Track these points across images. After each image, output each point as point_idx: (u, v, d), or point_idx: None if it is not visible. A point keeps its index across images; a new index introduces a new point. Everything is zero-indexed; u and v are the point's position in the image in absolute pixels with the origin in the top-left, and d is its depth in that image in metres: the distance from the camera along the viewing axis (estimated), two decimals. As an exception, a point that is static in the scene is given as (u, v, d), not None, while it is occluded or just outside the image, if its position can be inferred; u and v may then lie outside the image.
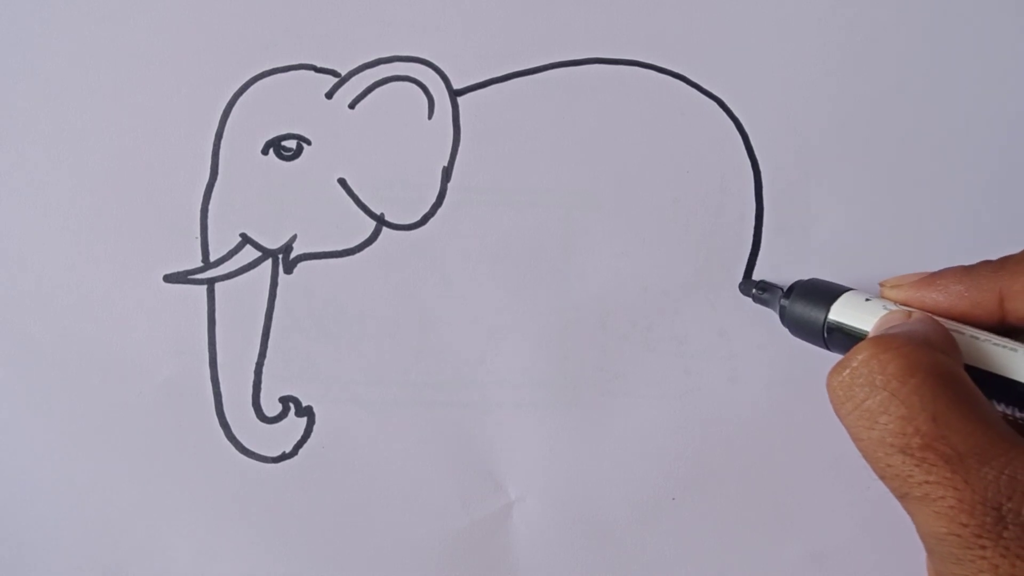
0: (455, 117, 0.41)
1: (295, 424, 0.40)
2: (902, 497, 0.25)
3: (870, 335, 0.29)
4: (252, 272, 0.40)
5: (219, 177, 0.40)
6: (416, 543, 0.39)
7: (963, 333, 0.28)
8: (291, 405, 0.40)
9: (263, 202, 0.40)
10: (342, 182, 0.41)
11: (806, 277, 0.38)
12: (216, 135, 0.40)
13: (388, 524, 0.39)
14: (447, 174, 0.41)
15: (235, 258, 0.40)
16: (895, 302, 0.31)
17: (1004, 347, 0.27)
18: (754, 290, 0.38)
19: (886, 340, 0.25)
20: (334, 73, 0.41)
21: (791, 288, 0.36)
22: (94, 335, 0.40)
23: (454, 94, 0.41)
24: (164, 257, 0.40)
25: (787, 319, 0.36)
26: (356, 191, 0.41)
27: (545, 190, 0.41)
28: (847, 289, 0.34)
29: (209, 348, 0.40)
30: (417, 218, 0.40)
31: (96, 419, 0.39)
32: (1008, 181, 0.41)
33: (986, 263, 0.29)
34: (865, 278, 0.40)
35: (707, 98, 0.41)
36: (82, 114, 0.41)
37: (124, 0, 0.41)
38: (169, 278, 0.40)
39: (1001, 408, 0.27)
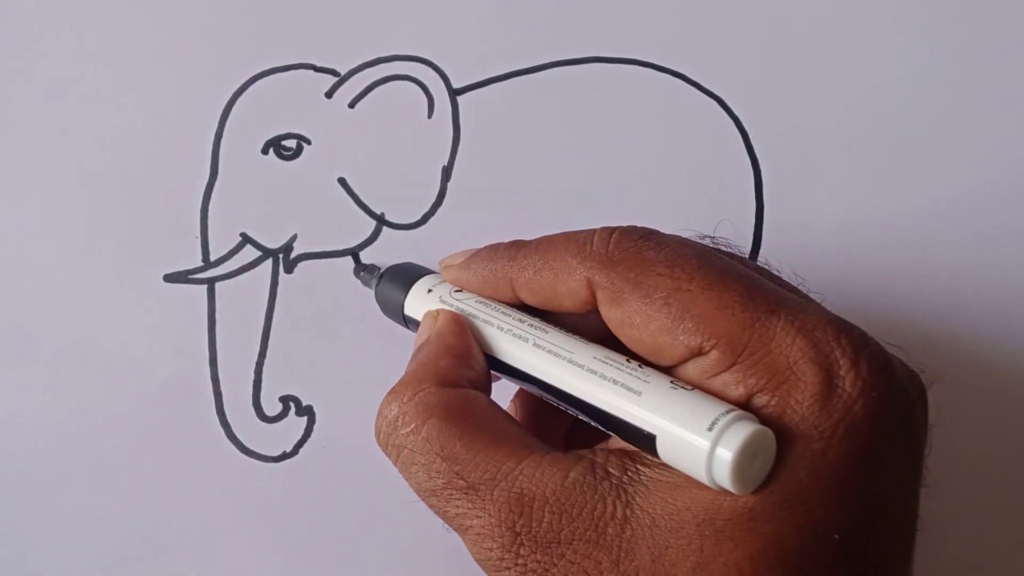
0: (455, 116, 0.41)
1: (295, 423, 0.40)
2: (453, 530, 0.27)
3: (417, 335, 0.32)
4: (252, 272, 0.40)
5: (219, 177, 0.40)
6: (416, 543, 0.39)
7: (490, 323, 0.30)
8: (291, 404, 0.40)
9: (263, 202, 0.41)
10: (342, 181, 0.41)
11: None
12: (216, 134, 0.41)
13: (388, 524, 0.39)
14: (447, 173, 0.41)
15: (235, 258, 0.40)
16: (450, 282, 0.33)
17: (513, 335, 0.29)
18: (361, 273, 0.39)
19: (400, 391, 0.28)
20: (334, 72, 0.41)
21: (384, 271, 0.36)
22: (94, 334, 0.40)
23: (454, 93, 0.41)
24: (164, 257, 0.40)
25: (378, 300, 0.36)
26: (356, 191, 0.41)
27: (545, 189, 0.41)
28: (425, 274, 0.35)
29: (209, 347, 0.40)
30: (417, 218, 0.41)
31: (96, 418, 0.39)
32: (1008, 179, 0.41)
33: (509, 247, 0.30)
34: (865, 276, 0.40)
35: (707, 96, 0.41)
36: (82, 114, 0.41)
37: (124, 0, 0.41)
38: (169, 278, 0.40)
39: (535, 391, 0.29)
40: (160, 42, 0.41)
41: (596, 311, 0.28)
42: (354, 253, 0.40)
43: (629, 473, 0.25)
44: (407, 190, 0.41)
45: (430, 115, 0.41)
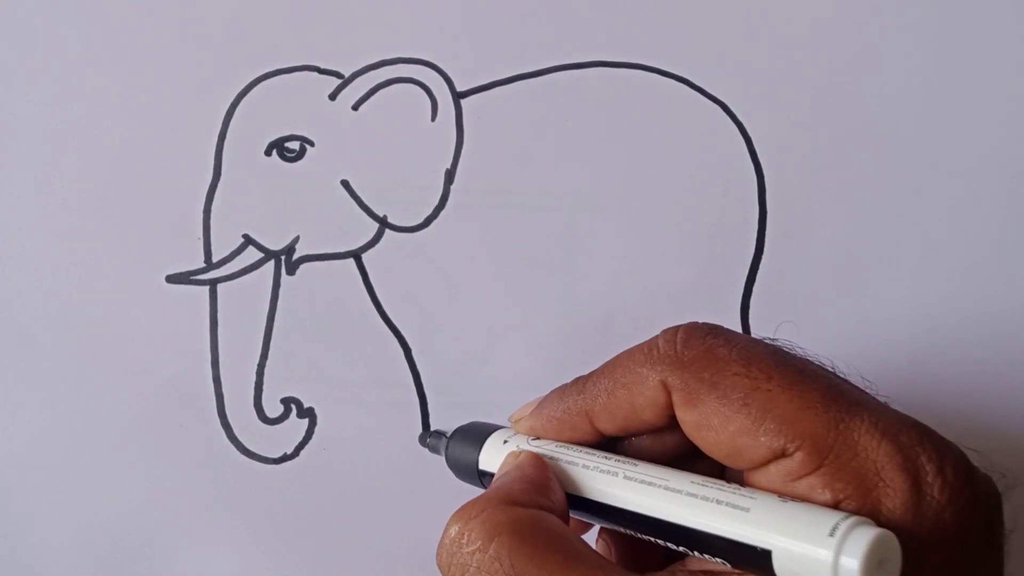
0: (458, 119, 0.41)
1: (297, 425, 0.40)
2: None
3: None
4: (254, 273, 0.40)
5: (222, 178, 0.40)
6: (416, 544, 0.39)
7: (574, 463, 0.29)
8: (293, 406, 0.40)
9: (266, 203, 0.41)
10: (345, 184, 0.41)
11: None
12: (219, 136, 0.41)
13: (389, 525, 0.39)
14: (450, 176, 0.41)
15: (237, 259, 0.40)
16: (526, 435, 0.32)
17: (601, 471, 0.28)
18: (428, 440, 0.37)
19: (467, 509, 0.26)
20: (337, 75, 0.41)
21: (452, 434, 0.35)
22: (96, 335, 0.40)
23: (457, 96, 0.41)
24: (167, 258, 0.40)
25: (451, 467, 0.34)
26: (359, 193, 0.41)
27: (548, 192, 0.41)
28: (498, 428, 0.33)
29: (211, 349, 0.40)
30: (420, 220, 0.40)
31: (98, 419, 0.39)
32: (1010, 183, 0.41)
33: (575, 384, 0.30)
34: (867, 280, 0.40)
35: (710, 102, 0.41)
36: (85, 115, 0.41)
37: (127, 1, 0.41)
38: (172, 279, 0.40)
39: (622, 530, 0.28)
40: (163, 43, 0.41)
41: (672, 427, 0.27)
42: (356, 254, 0.40)
43: None
44: (410, 192, 0.41)
45: (433, 118, 0.41)
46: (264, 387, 0.40)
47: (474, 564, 0.25)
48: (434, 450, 0.37)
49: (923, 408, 0.34)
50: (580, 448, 0.29)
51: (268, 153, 0.41)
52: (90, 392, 0.39)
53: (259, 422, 0.40)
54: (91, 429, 0.39)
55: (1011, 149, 0.41)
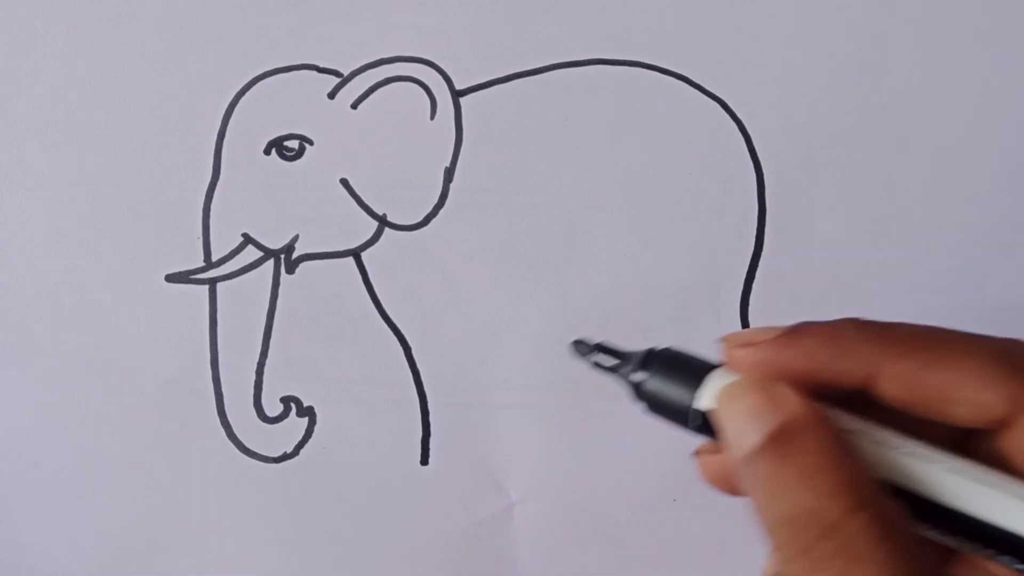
0: (457, 118, 0.41)
1: (296, 424, 0.40)
2: None
3: (727, 433, 0.23)
4: (254, 272, 0.40)
5: (221, 177, 0.40)
6: (417, 544, 0.39)
7: (897, 449, 0.23)
8: (292, 405, 0.40)
9: (265, 202, 0.40)
10: (344, 182, 0.41)
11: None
12: (218, 135, 0.40)
13: (389, 525, 0.39)
14: (449, 175, 0.41)
15: (237, 258, 0.40)
16: (736, 368, 0.25)
17: (897, 451, 0.22)
18: (596, 354, 0.28)
19: (846, 494, 0.21)
20: (336, 73, 0.41)
21: (646, 359, 0.26)
22: (96, 335, 0.40)
23: (456, 95, 0.41)
24: (166, 257, 0.40)
25: (647, 399, 0.26)
26: (358, 191, 0.41)
27: (547, 191, 0.41)
28: (716, 365, 0.25)
29: (211, 348, 0.40)
30: (419, 219, 0.40)
31: (97, 418, 0.39)
32: (1010, 181, 0.41)
33: (857, 325, 0.24)
34: (867, 278, 0.40)
35: (710, 99, 0.41)
36: (84, 114, 0.41)
37: (126, 0, 0.41)
38: (171, 278, 0.40)
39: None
40: (162, 42, 0.41)
41: (975, 432, 0.23)
42: (356, 253, 0.40)
43: None
44: (409, 191, 0.41)
45: (432, 116, 0.41)
46: (264, 386, 0.40)
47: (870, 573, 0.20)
48: (608, 372, 0.27)
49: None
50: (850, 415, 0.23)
51: (267, 152, 0.41)
52: (90, 392, 0.39)
53: (259, 421, 0.40)
54: (91, 429, 0.39)
55: (1012, 147, 0.41)
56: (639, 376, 0.26)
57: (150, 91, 0.41)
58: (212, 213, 0.40)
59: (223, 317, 0.40)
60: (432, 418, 0.40)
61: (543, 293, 0.40)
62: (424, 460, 0.39)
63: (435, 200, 0.40)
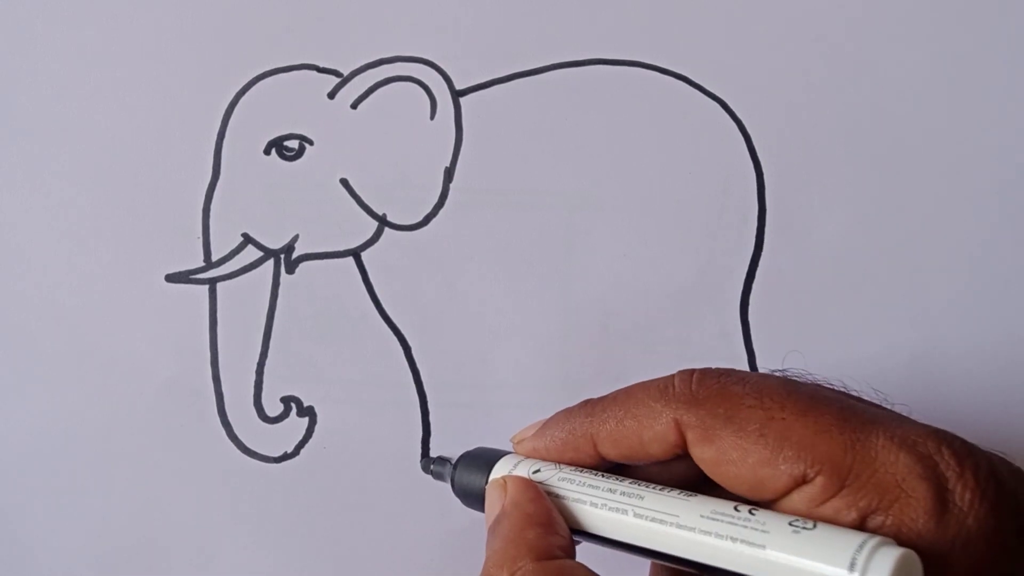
0: (457, 118, 0.41)
1: (297, 424, 0.40)
2: None
3: (486, 509, 0.31)
4: (254, 272, 0.40)
5: (221, 177, 0.40)
6: (417, 544, 0.39)
7: (581, 502, 0.29)
8: (292, 405, 0.40)
9: (265, 202, 0.40)
10: (344, 182, 0.41)
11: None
12: (218, 135, 0.40)
13: (389, 524, 0.39)
14: (449, 175, 0.41)
15: (237, 258, 0.40)
16: (525, 455, 0.32)
17: (610, 509, 0.28)
18: (432, 467, 0.37)
19: (496, 572, 0.26)
20: (336, 73, 0.41)
21: (458, 460, 0.34)
22: (95, 335, 0.40)
23: (456, 94, 0.41)
24: (166, 257, 0.40)
25: (458, 494, 0.34)
26: (358, 191, 0.41)
27: (547, 191, 0.41)
28: (504, 454, 0.33)
29: (211, 348, 0.40)
30: (419, 219, 0.40)
31: (97, 418, 0.39)
32: (1010, 182, 0.41)
33: (583, 407, 0.30)
34: (866, 278, 0.40)
35: (710, 99, 0.41)
36: (84, 114, 0.41)
37: (126, 0, 0.41)
38: (171, 278, 0.40)
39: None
40: (162, 42, 0.41)
41: (680, 457, 0.27)
42: (356, 253, 0.40)
43: None
44: (409, 191, 0.41)
45: (432, 116, 0.41)
46: (264, 386, 0.40)
47: None
48: (438, 477, 0.37)
49: (923, 407, 0.35)
50: (584, 473, 0.29)
51: (267, 152, 0.41)
52: (89, 391, 0.39)
53: (259, 421, 0.40)
54: (90, 428, 0.39)
55: (1012, 146, 0.41)
56: (452, 474, 0.34)
57: (150, 91, 0.41)
58: (212, 213, 0.40)
59: (223, 317, 0.40)
60: (432, 418, 0.40)
61: (543, 293, 0.40)
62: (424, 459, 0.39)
63: (435, 200, 0.40)
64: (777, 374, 0.28)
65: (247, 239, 0.40)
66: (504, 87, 0.41)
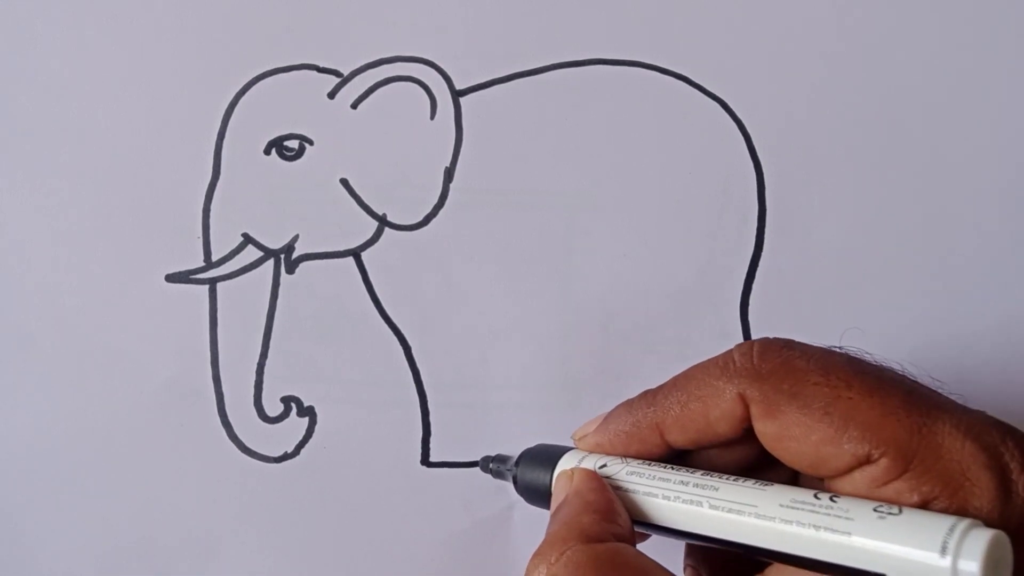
0: (457, 118, 0.41)
1: (297, 424, 0.40)
2: None
3: (551, 508, 0.31)
4: (254, 272, 0.40)
5: (221, 177, 0.40)
6: (417, 544, 0.39)
7: (652, 495, 0.28)
8: (293, 405, 0.40)
9: (265, 202, 0.40)
10: (344, 182, 0.41)
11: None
12: (218, 135, 0.40)
13: (389, 524, 0.39)
14: (449, 175, 0.41)
15: (237, 258, 0.40)
16: (589, 451, 0.32)
17: (684, 501, 0.27)
18: (492, 465, 0.36)
19: (546, 552, 0.26)
20: (336, 73, 0.41)
21: (520, 457, 0.34)
22: (96, 335, 0.40)
23: (456, 94, 0.41)
24: (166, 257, 0.40)
25: (521, 492, 0.34)
26: (358, 191, 0.41)
27: (547, 191, 0.41)
28: (568, 449, 0.32)
29: (211, 348, 0.40)
30: (419, 219, 0.40)
31: (98, 418, 0.39)
32: (1010, 181, 0.41)
33: (644, 397, 0.30)
34: (866, 278, 0.40)
35: (710, 99, 0.41)
36: (84, 114, 0.41)
37: (126, 1, 0.41)
38: (171, 278, 0.40)
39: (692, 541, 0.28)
40: (163, 42, 0.41)
41: (741, 440, 0.27)
42: (356, 253, 0.40)
43: None
44: (409, 191, 0.41)
45: (432, 116, 0.41)
46: (264, 386, 0.40)
47: None
48: (498, 475, 0.36)
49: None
50: (652, 466, 0.29)
51: (267, 152, 0.41)
52: (90, 392, 0.39)
53: (259, 421, 0.40)
54: (91, 429, 0.39)
55: (1011, 146, 0.41)
56: (513, 471, 0.34)
57: (150, 91, 0.41)
58: (212, 213, 0.40)
59: (223, 317, 0.40)
60: (432, 418, 0.40)
61: (543, 293, 0.40)
62: (424, 460, 0.39)
63: (435, 200, 0.40)
64: (838, 350, 0.27)
65: (247, 239, 0.40)
66: (504, 87, 0.41)
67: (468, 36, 0.41)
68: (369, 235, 0.40)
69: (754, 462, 0.29)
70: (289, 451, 0.40)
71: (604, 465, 0.30)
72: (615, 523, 0.28)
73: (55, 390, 0.39)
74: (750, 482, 0.27)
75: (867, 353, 0.28)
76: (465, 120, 0.41)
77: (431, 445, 0.40)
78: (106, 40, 0.41)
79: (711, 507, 0.27)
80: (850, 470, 0.25)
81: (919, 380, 0.27)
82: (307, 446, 0.40)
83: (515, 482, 0.34)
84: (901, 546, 0.23)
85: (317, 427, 0.40)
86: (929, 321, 0.40)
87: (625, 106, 0.41)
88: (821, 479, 0.26)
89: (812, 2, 0.41)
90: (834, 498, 0.25)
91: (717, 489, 0.27)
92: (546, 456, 0.33)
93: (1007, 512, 0.23)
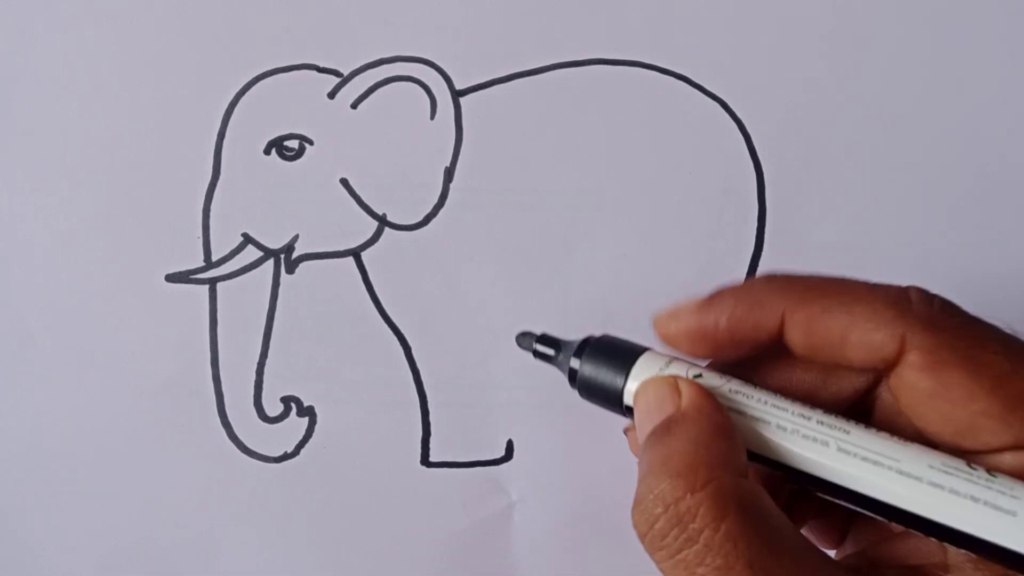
0: (457, 117, 0.41)
1: (297, 424, 0.40)
2: None
3: (635, 418, 0.27)
4: (254, 272, 0.40)
5: (221, 177, 0.40)
6: (417, 543, 0.39)
7: (765, 420, 0.25)
8: (293, 405, 0.40)
9: (265, 202, 0.40)
10: (344, 182, 0.41)
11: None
12: (218, 135, 0.40)
13: (389, 524, 0.39)
14: (449, 175, 0.41)
15: (237, 258, 0.40)
16: (670, 341, 0.28)
17: (806, 437, 0.24)
18: (535, 345, 0.30)
19: (689, 475, 0.23)
20: (336, 73, 0.41)
21: (582, 346, 0.29)
22: (96, 335, 0.40)
23: (456, 94, 0.41)
24: (166, 257, 0.40)
25: (581, 385, 0.28)
26: (358, 191, 0.41)
27: (547, 191, 0.41)
28: (644, 350, 0.28)
29: (211, 348, 0.40)
30: (419, 219, 0.40)
31: (97, 418, 0.39)
32: (1009, 181, 0.41)
33: (766, 280, 0.26)
34: (866, 279, 0.40)
35: (710, 99, 0.41)
36: (84, 114, 0.41)
37: (126, 0, 0.41)
38: (171, 278, 0.40)
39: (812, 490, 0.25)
40: (163, 42, 0.41)
41: (850, 378, 0.26)
42: (356, 253, 0.40)
43: None
44: (409, 191, 0.41)
45: (432, 116, 0.41)
46: (264, 386, 0.40)
47: (702, 542, 0.23)
48: (545, 359, 0.30)
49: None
50: (760, 390, 0.25)
51: (267, 152, 0.41)
52: (89, 391, 0.39)
53: (259, 421, 0.40)
54: (91, 428, 0.39)
55: (1011, 146, 0.41)
56: (574, 363, 0.28)
57: (150, 91, 0.41)
58: (212, 213, 0.40)
59: (223, 317, 0.40)
60: (432, 418, 0.40)
61: (543, 293, 0.40)
62: (424, 460, 0.39)
63: (435, 200, 0.40)
64: (1010, 330, 0.25)
65: (247, 239, 0.40)
66: (504, 87, 0.41)
67: (468, 36, 0.41)
68: (369, 235, 0.40)
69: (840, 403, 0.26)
70: (289, 451, 0.40)
71: (699, 376, 0.26)
72: (743, 454, 0.25)
73: (55, 390, 0.39)
74: (883, 433, 0.24)
75: None
76: (465, 120, 0.41)
77: (431, 445, 0.40)
78: (106, 40, 0.41)
79: (840, 450, 0.23)
80: (1003, 449, 0.23)
81: None
82: (307, 446, 0.40)
83: (572, 376, 0.28)
84: None
85: (317, 427, 0.40)
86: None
87: (625, 106, 0.41)
88: (960, 450, 0.24)
89: (812, 2, 0.41)
90: (993, 473, 0.22)
91: (848, 432, 0.24)
92: (619, 353, 0.28)
93: None
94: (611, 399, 0.27)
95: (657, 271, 0.40)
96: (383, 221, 0.40)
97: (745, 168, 0.41)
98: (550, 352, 0.30)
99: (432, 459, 0.40)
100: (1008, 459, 0.23)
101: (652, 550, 0.24)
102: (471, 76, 0.41)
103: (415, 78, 0.41)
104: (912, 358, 0.24)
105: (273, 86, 0.41)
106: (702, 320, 0.27)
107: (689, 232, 0.40)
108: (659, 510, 0.23)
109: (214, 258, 0.40)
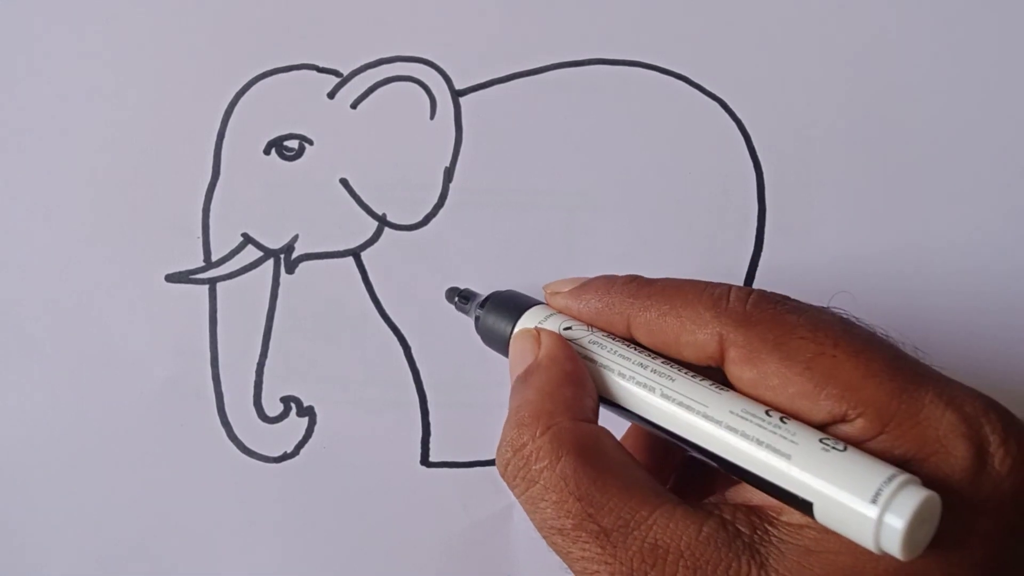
0: (457, 117, 0.41)
1: (296, 424, 0.40)
2: (569, 570, 0.26)
3: (511, 355, 0.31)
4: (254, 272, 0.40)
5: (221, 177, 0.40)
6: (416, 544, 0.39)
7: (609, 368, 0.28)
8: (292, 405, 0.40)
9: (265, 202, 0.40)
10: (344, 182, 0.41)
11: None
12: (218, 135, 0.40)
13: (389, 525, 0.39)
14: (449, 174, 0.41)
15: (237, 258, 0.40)
16: (557, 309, 0.32)
17: (638, 383, 0.28)
18: (456, 298, 0.37)
19: (531, 423, 0.27)
20: (336, 73, 0.41)
21: (486, 299, 0.34)
22: (95, 335, 0.40)
23: (456, 94, 0.41)
24: (166, 257, 0.40)
25: (480, 330, 0.34)
26: (358, 191, 0.41)
27: (547, 191, 0.41)
28: (536, 303, 0.33)
29: (211, 348, 0.40)
30: (419, 219, 0.40)
31: (97, 418, 0.39)
32: (1010, 181, 0.41)
33: (629, 282, 0.30)
34: (866, 278, 0.40)
35: (709, 99, 0.41)
36: (84, 114, 0.41)
37: (126, 1, 0.41)
38: (171, 278, 0.40)
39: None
40: (162, 42, 0.41)
41: (714, 368, 0.27)
42: (356, 253, 0.40)
43: (759, 533, 0.24)
44: (409, 191, 0.41)
45: (432, 116, 0.41)
46: (264, 386, 0.40)
47: (541, 481, 0.26)
48: (462, 311, 0.36)
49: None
50: (616, 341, 0.29)
51: (267, 152, 0.41)
52: (89, 391, 0.39)
53: (259, 421, 0.40)
54: (90, 428, 0.39)
55: (1012, 146, 0.41)
56: (478, 312, 0.34)
57: (150, 91, 0.41)
58: (212, 213, 0.40)
59: (223, 317, 0.40)
60: (432, 418, 0.40)
61: (543, 293, 0.40)
62: (424, 460, 0.39)
63: (435, 200, 0.40)
64: (832, 310, 0.27)
65: (247, 239, 0.40)
66: (504, 87, 0.41)
67: (468, 36, 0.41)
68: (369, 235, 0.40)
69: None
70: (289, 451, 0.40)
71: (569, 328, 0.30)
72: (590, 398, 0.28)
73: (55, 390, 0.39)
74: (707, 382, 0.27)
75: (861, 320, 0.28)
76: (465, 120, 0.41)
77: (431, 445, 0.40)
78: (106, 40, 0.41)
79: (662, 396, 0.27)
80: (822, 426, 0.25)
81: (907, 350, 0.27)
82: (307, 446, 0.40)
83: (477, 323, 0.34)
84: (833, 485, 0.23)
85: (317, 427, 0.40)
86: (930, 320, 0.40)
87: (625, 106, 0.41)
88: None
89: (812, 2, 0.41)
90: (784, 419, 0.25)
91: (673, 380, 0.27)
92: (513, 305, 0.33)
93: (979, 483, 0.23)
94: (502, 346, 0.32)
95: (657, 271, 0.40)
96: (383, 221, 0.40)
97: (745, 168, 0.41)
98: (465, 305, 0.36)
99: (432, 459, 0.40)
100: (845, 429, 0.24)
101: (510, 488, 0.27)
102: (471, 76, 0.41)
103: (415, 78, 0.41)
104: (731, 354, 0.26)
105: (273, 86, 0.41)
106: (570, 304, 0.31)
107: (689, 232, 0.40)
108: (509, 454, 0.27)
109: (214, 258, 0.40)
